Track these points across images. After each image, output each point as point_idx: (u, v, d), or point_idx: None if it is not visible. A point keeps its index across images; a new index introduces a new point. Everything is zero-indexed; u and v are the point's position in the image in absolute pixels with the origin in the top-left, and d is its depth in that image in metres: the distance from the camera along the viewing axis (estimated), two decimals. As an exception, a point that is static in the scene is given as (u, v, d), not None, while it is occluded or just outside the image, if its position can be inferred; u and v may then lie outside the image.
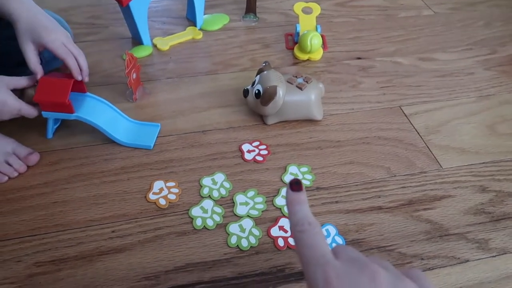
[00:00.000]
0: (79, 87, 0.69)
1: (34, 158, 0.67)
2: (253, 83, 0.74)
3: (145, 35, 0.91)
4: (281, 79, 0.73)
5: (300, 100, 0.73)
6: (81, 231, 0.59)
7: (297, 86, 0.73)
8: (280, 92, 0.71)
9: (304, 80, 0.74)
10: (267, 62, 0.76)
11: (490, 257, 0.59)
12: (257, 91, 0.72)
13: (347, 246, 0.31)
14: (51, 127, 0.70)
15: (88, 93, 0.70)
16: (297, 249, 0.31)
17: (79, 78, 0.66)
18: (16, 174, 0.65)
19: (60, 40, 0.64)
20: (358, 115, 0.79)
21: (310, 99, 0.74)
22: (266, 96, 0.71)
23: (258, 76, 0.74)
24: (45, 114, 0.67)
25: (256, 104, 0.73)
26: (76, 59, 0.65)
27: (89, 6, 1.02)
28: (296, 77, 0.75)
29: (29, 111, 0.64)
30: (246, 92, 0.74)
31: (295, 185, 0.33)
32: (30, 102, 0.64)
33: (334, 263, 0.28)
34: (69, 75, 0.66)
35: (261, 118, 0.77)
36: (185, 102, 0.80)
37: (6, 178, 0.65)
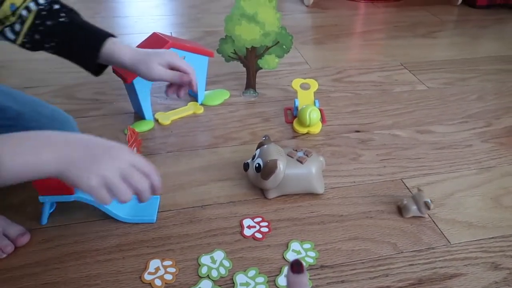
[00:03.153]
0: None
1: (25, 239, 0.64)
2: (254, 157, 0.74)
3: (147, 110, 0.93)
4: (282, 153, 0.73)
5: (301, 173, 0.73)
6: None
7: (297, 160, 0.73)
8: (281, 165, 0.71)
9: (304, 153, 0.74)
10: (267, 136, 0.76)
11: None
12: (257, 165, 0.72)
13: None
14: (46, 212, 0.68)
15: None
16: None
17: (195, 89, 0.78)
18: (3, 255, 0.62)
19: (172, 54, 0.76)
20: (360, 188, 0.78)
21: (311, 172, 0.73)
22: (266, 170, 0.71)
23: (259, 150, 0.75)
24: (42, 198, 0.65)
25: (257, 178, 0.73)
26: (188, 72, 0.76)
27: (95, 83, 1.06)
28: (296, 150, 0.75)
29: None
30: (246, 166, 0.74)
31: (296, 266, 0.32)
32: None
33: None
34: None
35: (262, 192, 0.75)
36: (185, 176, 0.79)
37: None
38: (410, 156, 0.87)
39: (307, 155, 0.74)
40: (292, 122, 0.95)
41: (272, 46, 0.97)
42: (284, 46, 0.97)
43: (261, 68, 1.01)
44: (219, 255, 0.64)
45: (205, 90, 1.03)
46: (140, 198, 0.52)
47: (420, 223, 0.71)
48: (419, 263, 0.64)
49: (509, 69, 1.25)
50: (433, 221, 0.72)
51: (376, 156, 0.87)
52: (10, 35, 0.69)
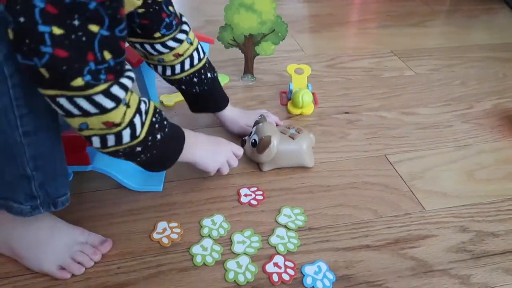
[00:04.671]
0: None
1: (107, 246, 0.66)
2: (250, 134, 0.82)
3: (152, 93, 1.00)
4: (275, 130, 0.81)
5: (293, 149, 0.81)
6: (89, 267, 0.63)
7: (289, 136, 0.81)
8: (274, 141, 0.79)
9: (296, 131, 0.82)
10: (263, 115, 0.84)
11: (472, 291, 0.63)
12: (253, 141, 0.80)
13: None
14: None
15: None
16: None
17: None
18: (92, 263, 0.63)
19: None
20: (347, 163, 0.86)
21: (301, 148, 0.81)
22: (261, 145, 0.79)
23: (255, 127, 0.82)
24: None
25: (253, 152, 0.81)
26: None
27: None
28: (288, 128, 0.83)
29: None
30: (243, 142, 0.82)
31: None
32: None
33: None
34: None
35: (258, 166, 0.83)
36: (188, 152, 0.87)
37: (83, 269, 0.62)
38: (394, 135, 0.95)
39: (298, 132, 0.82)
40: (286, 104, 1.02)
41: (268, 34, 1.04)
42: (279, 34, 1.05)
43: (258, 54, 1.08)
44: (218, 218, 0.72)
45: (206, 75, 1.10)
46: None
47: (399, 193, 0.79)
48: (396, 226, 0.72)
49: (493, 56, 1.32)
50: (412, 191, 0.80)
51: (363, 135, 0.94)
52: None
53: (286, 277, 0.63)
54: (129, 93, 0.52)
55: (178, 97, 1.04)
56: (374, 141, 0.93)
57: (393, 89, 1.13)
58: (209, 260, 0.65)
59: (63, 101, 0.47)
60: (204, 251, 0.66)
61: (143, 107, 0.56)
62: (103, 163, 0.74)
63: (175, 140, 0.66)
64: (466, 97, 1.11)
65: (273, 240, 0.69)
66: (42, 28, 0.42)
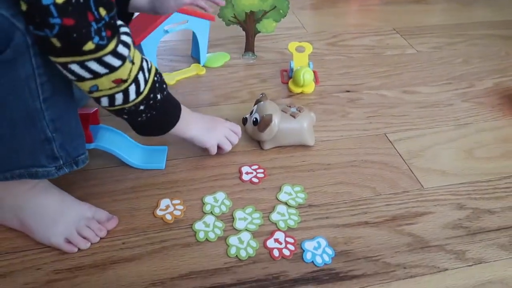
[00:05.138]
0: (94, 119, 0.76)
1: (113, 223, 0.67)
2: (251, 112, 0.83)
3: (153, 71, 1.00)
4: (276, 109, 0.81)
5: (294, 127, 0.81)
6: (95, 242, 0.65)
7: (290, 115, 0.82)
8: (275, 120, 0.79)
9: (297, 109, 0.83)
10: (264, 94, 0.84)
11: (467, 266, 0.64)
12: (254, 119, 0.81)
13: None
14: None
15: (101, 125, 0.78)
16: None
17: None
18: (97, 239, 0.65)
19: None
20: (347, 142, 0.87)
21: (302, 126, 0.82)
22: (262, 123, 0.79)
23: (256, 106, 0.83)
24: None
25: (254, 130, 0.81)
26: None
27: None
28: (289, 106, 0.83)
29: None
30: (245, 120, 0.83)
31: None
32: None
33: None
34: (85, 109, 0.73)
35: (259, 144, 0.84)
36: (189, 130, 0.88)
37: (89, 244, 0.64)
38: (394, 114, 0.95)
39: (299, 111, 0.82)
40: (287, 83, 1.02)
41: (269, 11, 1.03)
42: (281, 11, 1.04)
43: (259, 32, 1.07)
44: (220, 195, 0.73)
45: (207, 53, 1.10)
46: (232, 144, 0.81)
47: (398, 172, 0.80)
48: (394, 204, 0.74)
49: (495, 34, 1.31)
50: (411, 169, 0.81)
51: (363, 113, 0.95)
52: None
53: (286, 252, 0.65)
54: (132, 49, 0.55)
55: (179, 75, 1.04)
56: (375, 119, 0.93)
57: (395, 67, 1.13)
58: (211, 236, 0.66)
59: (74, 66, 0.50)
60: (207, 228, 0.68)
61: (145, 65, 0.59)
62: (105, 141, 0.75)
63: (173, 105, 0.70)
64: (468, 75, 1.11)
65: (274, 217, 0.70)
66: (45, 1, 0.44)
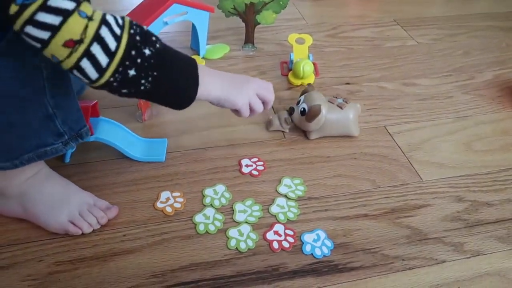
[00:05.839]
0: (94, 112, 0.76)
1: (113, 212, 0.68)
2: (298, 102, 0.83)
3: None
4: (324, 99, 0.82)
5: (340, 118, 0.82)
6: (96, 235, 0.66)
7: (337, 105, 0.82)
8: (324, 110, 0.80)
9: (343, 100, 0.83)
10: (311, 84, 0.84)
11: (465, 258, 0.65)
12: (302, 109, 0.81)
13: None
14: (69, 152, 0.77)
15: (101, 117, 0.78)
16: None
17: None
18: (98, 226, 0.66)
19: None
20: (347, 134, 0.87)
21: (348, 117, 0.82)
22: (311, 114, 0.80)
23: (303, 96, 0.84)
24: None
25: (301, 120, 0.82)
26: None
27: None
28: (336, 97, 0.84)
29: None
30: (292, 110, 0.83)
31: None
32: None
33: None
34: (85, 102, 0.73)
35: (259, 136, 0.84)
36: (189, 122, 0.88)
37: (91, 229, 0.65)
38: (394, 106, 0.95)
39: (346, 102, 0.83)
40: (287, 75, 1.02)
41: (269, 2, 1.02)
42: (281, 2, 1.03)
43: (259, 23, 1.07)
44: (220, 188, 0.74)
45: (207, 45, 1.09)
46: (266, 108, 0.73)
47: (397, 164, 0.81)
48: (393, 196, 0.74)
49: (497, 25, 1.30)
50: (410, 162, 0.81)
51: (363, 106, 0.95)
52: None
53: (286, 244, 0.65)
54: (84, 5, 0.47)
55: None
56: (374, 112, 0.93)
57: (395, 59, 1.12)
58: (211, 228, 0.67)
59: (23, 35, 0.45)
60: (207, 220, 0.68)
61: (111, 19, 0.49)
62: (105, 134, 0.75)
63: (182, 61, 0.59)
64: (468, 67, 1.10)
65: (274, 209, 0.70)
66: None
